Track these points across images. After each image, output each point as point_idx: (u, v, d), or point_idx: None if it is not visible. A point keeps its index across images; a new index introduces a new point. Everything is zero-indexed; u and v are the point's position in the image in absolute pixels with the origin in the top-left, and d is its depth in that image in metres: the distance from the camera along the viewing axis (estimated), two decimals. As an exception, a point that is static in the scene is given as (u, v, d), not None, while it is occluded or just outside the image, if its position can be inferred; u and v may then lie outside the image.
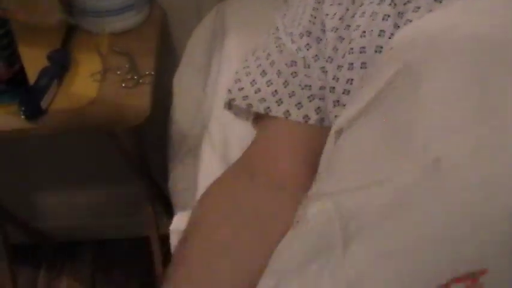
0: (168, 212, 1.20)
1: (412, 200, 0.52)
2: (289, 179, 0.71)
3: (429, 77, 0.57)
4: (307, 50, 0.76)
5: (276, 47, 0.80)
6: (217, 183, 0.74)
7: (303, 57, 0.76)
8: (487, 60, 0.55)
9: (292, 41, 0.78)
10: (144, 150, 1.35)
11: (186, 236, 0.69)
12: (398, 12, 0.68)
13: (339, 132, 0.65)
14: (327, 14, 0.76)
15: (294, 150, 0.74)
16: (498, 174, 0.49)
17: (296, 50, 0.77)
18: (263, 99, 0.77)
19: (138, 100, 1.01)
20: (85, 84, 1.04)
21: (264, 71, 0.79)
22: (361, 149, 0.60)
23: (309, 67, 0.76)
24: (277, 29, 0.81)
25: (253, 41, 0.90)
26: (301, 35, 0.77)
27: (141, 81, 1.03)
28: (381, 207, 0.54)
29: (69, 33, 1.14)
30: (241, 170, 0.75)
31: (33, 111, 0.96)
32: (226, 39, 1.00)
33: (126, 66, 1.06)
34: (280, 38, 0.80)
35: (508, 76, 0.53)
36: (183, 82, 1.08)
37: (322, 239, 0.56)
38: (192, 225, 0.70)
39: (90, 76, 1.05)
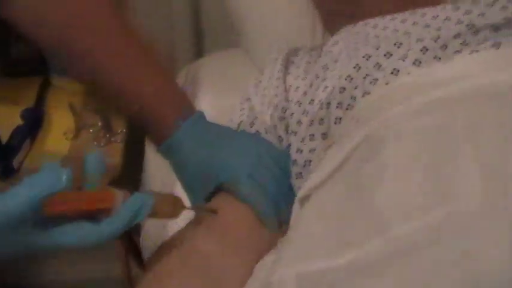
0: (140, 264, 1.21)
1: (374, 271, 0.54)
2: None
3: (389, 150, 0.60)
4: (272, 120, 0.79)
5: (247, 116, 0.83)
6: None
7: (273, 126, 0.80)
8: (444, 140, 0.58)
9: (262, 111, 0.81)
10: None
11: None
12: (356, 86, 0.72)
13: (303, 200, 0.67)
14: (291, 86, 0.80)
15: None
16: (451, 259, 0.51)
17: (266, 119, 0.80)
18: None
19: (110, 158, 1.02)
20: (57, 142, 1.05)
21: None
22: (324, 217, 0.62)
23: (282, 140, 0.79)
24: (248, 99, 0.85)
25: (224, 103, 0.93)
26: (268, 106, 0.80)
27: (113, 139, 1.05)
28: (340, 276, 0.56)
29: (43, 90, 1.16)
30: None
31: (5, 171, 0.97)
32: (198, 100, 1.03)
33: (99, 124, 1.08)
34: (253, 109, 0.83)
35: (460, 160, 0.56)
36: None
37: None
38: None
39: (63, 134, 1.06)
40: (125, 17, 0.71)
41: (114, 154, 1.03)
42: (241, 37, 1.10)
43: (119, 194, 0.54)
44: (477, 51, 0.68)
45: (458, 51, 0.69)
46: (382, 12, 0.84)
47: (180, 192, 0.81)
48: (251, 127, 0.80)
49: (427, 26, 0.77)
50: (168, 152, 0.69)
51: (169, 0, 1.21)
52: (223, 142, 0.68)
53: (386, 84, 0.69)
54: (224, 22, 1.13)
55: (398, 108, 0.64)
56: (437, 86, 0.64)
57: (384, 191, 0.57)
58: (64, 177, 0.49)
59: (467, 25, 0.72)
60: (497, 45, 0.68)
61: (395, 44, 0.74)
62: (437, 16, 0.77)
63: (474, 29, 0.71)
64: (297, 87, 0.79)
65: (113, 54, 0.67)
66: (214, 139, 0.68)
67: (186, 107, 0.69)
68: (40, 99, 1.14)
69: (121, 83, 0.67)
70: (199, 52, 1.27)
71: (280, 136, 0.78)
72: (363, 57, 0.74)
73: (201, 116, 0.70)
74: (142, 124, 0.69)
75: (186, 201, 0.71)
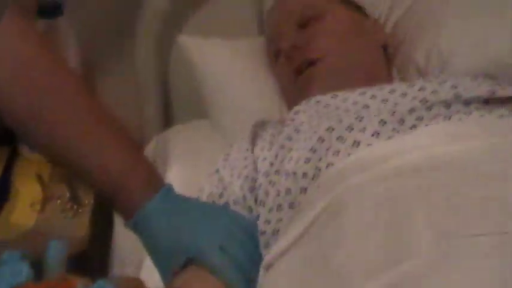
0: None
1: None
2: None
3: (349, 216, 0.63)
4: (241, 191, 0.81)
5: (216, 187, 0.84)
6: None
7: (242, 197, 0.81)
8: (399, 206, 0.62)
9: (231, 182, 0.83)
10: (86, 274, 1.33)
11: None
12: (320, 158, 0.75)
13: (268, 267, 0.68)
14: (258, 157, 0.82)
15: None
16: None
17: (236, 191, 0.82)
18: None
19: (77, 231, 1.02)
20: (24, 214, 1.04)
21: None
22: (288, 283, 0.64)
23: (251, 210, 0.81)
24: (217, 171, 0.86)
25: (193, 174, 0.95)
26: (238, 177, 0.82)
27: (80, 210, 1.05)
28: None
29: (11, 161, 1.16)
30: None
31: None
32: (167, 172, 1.04)
33: (67, 195, 1.08)
34: (223, 180, 0.85)
35: (414, 223, 0.59)
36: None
37: None
38: None
39: (30, 206, 1.06)
40: (93, 93, 0.73)
41: (82, 226, 1.03)
42: (209, 109, 1.12)
43: (79, 284, 0.54)
44: (430, 125, 0.74)
45: (414, 126, 0.75)
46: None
47: (149, 265, 0.81)
48: (220, 198, 0.82)
49: (385, 100, 0.82)
50: (136, 227, 0.69)
51: (137, 71, 1.23)
52: (192, 216, 0.69)
53: (349, 155, 0.73)
54: (192, 93, 1.16)
55: (357, 177, 0.67)
56: (393, 156, 0.68)
57: (343, 253, 0.60)
58: (24, 270, 0.50)
59: (421, 101, 0.77)
60: (448, 119, 0.75)
61: (356, 118, 0.79)
62: (395, 91, 0.82)
63: (427, 105, 0.76)
64: (264, 158, 0.82)
65: (81, 131, 0.68)
66: (183, 213, 0.69)
67: (154, 181, 0.70)
68: (7, 169, 1.13)
69: (88, 158, 0.68)
70: (168, 123, 1.29)
71: (250, 207, 0.80)
72: (326, 130, 0.78)
73: (170, 189, 0.71)
74: (110, 199, 0.69)
75: (154, 280, 0.72)
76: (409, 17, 1.05)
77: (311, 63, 0.95)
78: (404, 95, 0.81)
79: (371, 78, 0.94)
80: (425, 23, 1.00)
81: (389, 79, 0.99)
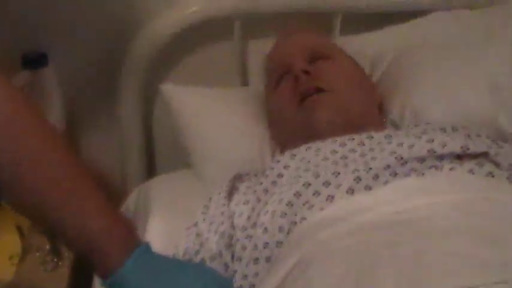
0: None
1: None
2: None
3: (317, 269, 0.65)
4: (218, 247, 0.81)
5: (193, 243, 0.84)
6: None
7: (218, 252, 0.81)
8: (365, 259, 0.63)
9: (208, 238, 0.83)
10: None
11: None
12: (296, 213, 0.77)
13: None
14: (234, 212, 0.83)
15: None
16: None
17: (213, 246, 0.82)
18: None
19: (56, 284, 1.00)
20: (2, 267, 1.03)
21: None
22: None
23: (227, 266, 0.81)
24: (196, 225, 0.86)
25: (174, 226, 0.94)
26: (215, 233, 0.82)
27: (60, 263, 1.04)
28: None
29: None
30: None
31: None
32: (149, 221, 1.03)
33: (47, 247, 1.07)
34: (200, 235, 0.84)
35: (380, 275, 0.60)
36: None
37: None
38: None
39: (9, 259, 1.04)
40: (72, 150, 0.73)
41: (62, 279, 1.01)
42: (191, 159, 1.13)
43: None
44: (400, 180, 0.76)
45: (387, 181, 0.77)
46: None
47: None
48: (196, 255, 0.82)
49: (363, 155, 0.83)
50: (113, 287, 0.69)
51: (120, 121, 1.24)
52: (169, 276, 0.69)
53: (321, 209, 0.75)
54: (176, 143, 1.16)
55: (325, 233, 0.69)
56: (361, 212, 0.70)
57: None
58: None
59: (397, 157, 0.80)
60: (420, 175, 0.77)
61: (333, 174, 0.80)
62: (373, 149, 0.84)
63: (402, 161, 0.79)
64: (241, 213, 0.83)
65: (59, 190, 0.68)
66: (160, 273, 0.69)
67: (130, 242, 0.69)
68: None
69: (65, 218, 0.68)
70: (151, 173, 1.29)
71: (226, 263, 0.80)
72: (303, 185, 0.80)
73: (147, 249, 0.70)
74: (87, 258, 0.69)
75: None
76: (386, 77, 1.08)
77: (320, 90, 0.97)
78: (382, 150, 0.83)
79: (366, 128, 0.95)
80: (400, 81, 1.03)
81: None
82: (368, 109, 1.01)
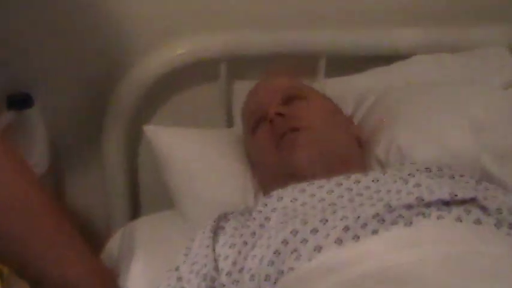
0: None
1: None
2: None
3: None
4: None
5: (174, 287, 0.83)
6: None
7: None
8: None
9: (190, 279, 0.82)
10: None
11: None
12: (283, 261, 0.76)
13: None
14: (219, 255, 0.82)
15: None
16: None
17: None
18: None
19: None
20: (-19, 310, 1.00)
21: None
22: None
23: None
24: (177, 268, 0.85)
25: (157, 268, 0.93)
26: (196, 275, 0.82)
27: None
28: None
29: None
30: None
31: None
32: (132, 263, 1.02)
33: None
34: (181, 279, 0.83)
35: None
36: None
37: None
38: None
39: (-12, 302, 1.01)
40: (52, 196, 0.73)
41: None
42: (175, 199, 1.12)
43: None
44: (387, 231, 0.75)
45: (375, 231, 0.76)
46: (314, 176, 0.91)
47: None
48: None
49: (351, 200, 0.83)
50: None
51: (105, 162, 1.24)
52: None
53: (310, 260, 0.73)
54: (160, 183, 1.16)
55: (313, 286, 0.69)
56: (350, 265, 0.70)
57: None
58: None
59: (385, 205, 0.79)
60: (408, 224, 0.76)
61: (321, 221, 0.79)
62: (361, 194, 0.84)
63: (390, 209, 0.78)
64: (226, 257, 0.82)
65: (39, 238, 0.68)
66: None
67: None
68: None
69: (46, 266, 0.67)
70: (135, 213, 1.28)
71: None
72: (291, 232, 0.79)
73: None
74: None
75: None
76: (370, 116, 1.09)
77: (295, 129, 0.98)
78: (370, 198, 0.83)
79: (346, 162, 0.97)
80: (385, 120, 1.04)
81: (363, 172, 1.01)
82: (346, 143, 1.01)
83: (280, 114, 0.99)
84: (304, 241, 0.76)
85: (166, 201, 1.16)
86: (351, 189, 0.86)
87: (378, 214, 0.77)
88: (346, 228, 0.76)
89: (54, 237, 0.68)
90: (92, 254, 0.72)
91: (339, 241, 0.75)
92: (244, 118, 1.12)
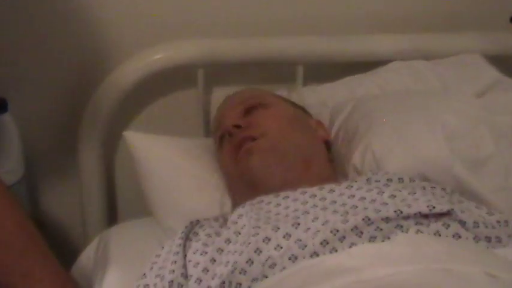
0: None
1: None
2: None
3: None
4: None
5: None
6: None
7: None
8: None
9: (156, 284, 0.82)
10: None
11: None
12: (256, 269, 0.75)
13: None
14: (190, 261, 0.81)
15: None
16: None
17: None
18: None
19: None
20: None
21: None
22: None
23: None
24: (144, 275, 0.85)
25: (134, 273, 0.92)
26: (161, 280, 0.81)
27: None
28: None
29: None
30: None
31: None
32: (108, 271, 1.00)
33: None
34: (147, 286, 0.83)
35: None
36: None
37: None
38: None
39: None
40: (22, 211, 0.72)
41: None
42: (152, 206, 1.11)
43: None
44: (363, 245, 0.75)
45: (353, 243, 0.76)
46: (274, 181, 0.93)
47: None
48: None
49: (325, 208, 0.83)
50: None
51: (80, 168, 1.22)
52: None
53: (284, 268, 0.73)
54: (137, 190, 1.15)
55: None
56: (324, 278, 0.69)
57: None
58: None
59: (364, 219, 0.78)
60: (386, 238, 0.76)
61: (293, 225, 0.79)
62: (335, 202, 0.84)
63: (369, 221, 0.78)
64: (197, 263, 0.81)
65: (9, 254, 0.68)
66: None
67: None
68: None
69: (16, 282, 0.67)
70: (112, 221, 1.27)
71: None
72: (263, 241, 0.78)
73: None
74: None
75: None
76: (347, 123, 1.09)
77: (252, 138, 0.98)
78: (346, 213, 0.81)
79: (309, 166, 0.97)
80: (361, 127, 1.05)
81: (333, 178, 1.01)
82: (307, 145, 1.01)
83: (237, 126, 1.00)
84: (278, 247, 0.76)
85: (143, 208, 1.15)
86: (325, 199, 0.86)
87: (356, 227, 0.77)
88: (325, 242, 0.76)
89: (24, 252, 0.67)
90: (62, 270, 0.72)
91: (315, 255, 0.75)
92: (212, 134, 1.13)
